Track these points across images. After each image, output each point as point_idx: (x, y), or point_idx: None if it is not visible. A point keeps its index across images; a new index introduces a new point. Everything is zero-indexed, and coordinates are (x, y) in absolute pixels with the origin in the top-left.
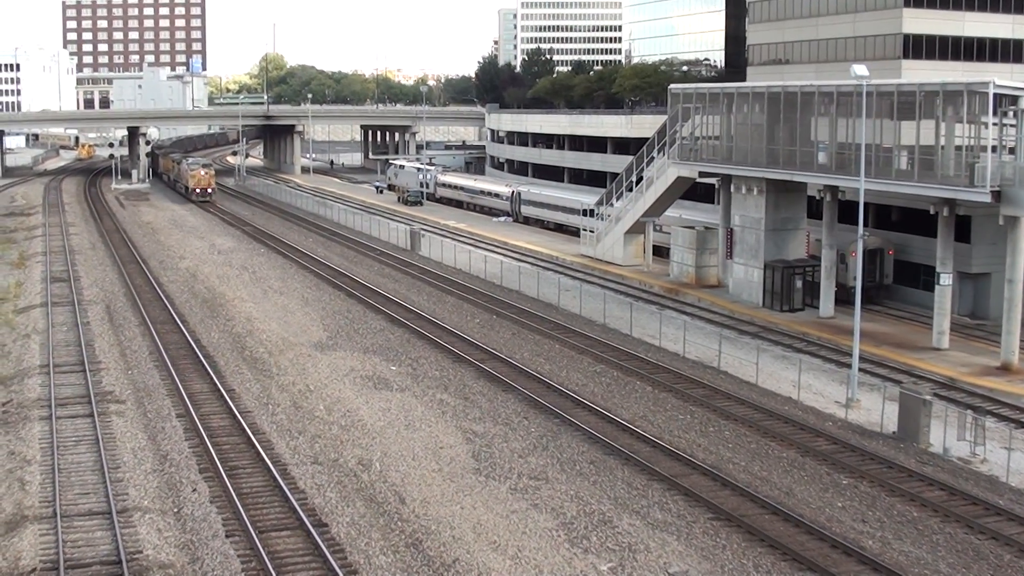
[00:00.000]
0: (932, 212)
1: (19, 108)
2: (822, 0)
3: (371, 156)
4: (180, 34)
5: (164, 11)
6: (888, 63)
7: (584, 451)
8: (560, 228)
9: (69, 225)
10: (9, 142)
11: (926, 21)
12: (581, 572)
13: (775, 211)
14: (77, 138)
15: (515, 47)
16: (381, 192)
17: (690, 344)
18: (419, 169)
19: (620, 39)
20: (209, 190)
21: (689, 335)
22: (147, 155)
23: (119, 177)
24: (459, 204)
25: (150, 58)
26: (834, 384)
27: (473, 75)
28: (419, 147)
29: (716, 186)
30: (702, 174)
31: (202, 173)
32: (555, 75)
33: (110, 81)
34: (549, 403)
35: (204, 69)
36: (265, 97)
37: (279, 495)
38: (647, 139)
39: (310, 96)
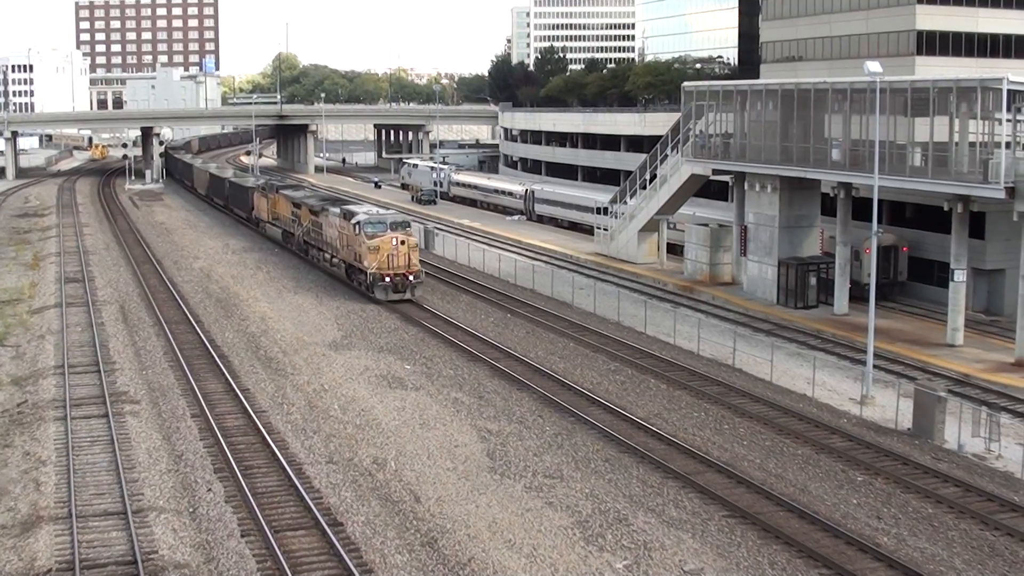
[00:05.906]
0: (946, 209)
1: (32, 109)
2: None
3: (385, 155)
4: (193, 34)
5: (177, 11)
6: (902, 60)
7: (599, 449)
8: (574, 226)
9: (83, 226)
10: (23, 143)
11: (939, 17)
12: (596, 570)
13: (789, 208)
14: (91, 139)
15: (528, 45)
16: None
17: (704, 342)
18: (433, 168)
19: (633, 37)
20: (411, 278)
21: (703, 333)
22: (160, 155)
23: (133, 177)
24: (473, 203)
25: (163, 58)
26: (849, 381)
27: (486, 74)
28: (432, 146)
29: (730, 184)
30: (716, 171)
31: (393, 243)
32: (568, 73)
33: (123, 82)
34: (564, 401)
35: (217, 69)
36: (278, 97)
37: (294, 494)
38: (660, 137)
39: (323, 95)
